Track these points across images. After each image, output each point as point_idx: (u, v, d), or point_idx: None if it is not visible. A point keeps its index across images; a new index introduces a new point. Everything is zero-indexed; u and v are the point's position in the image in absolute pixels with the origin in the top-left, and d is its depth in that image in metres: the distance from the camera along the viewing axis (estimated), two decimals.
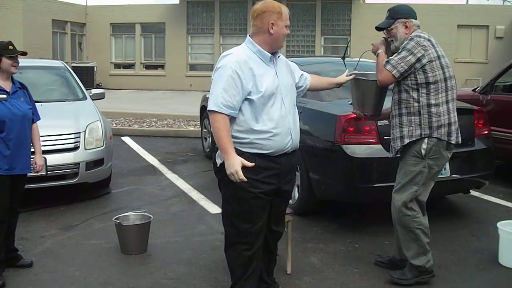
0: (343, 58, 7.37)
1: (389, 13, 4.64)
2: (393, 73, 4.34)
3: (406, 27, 4.52)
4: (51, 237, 5.74)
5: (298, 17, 25.48)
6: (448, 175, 5.80)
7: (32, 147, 4.97)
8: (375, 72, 4.61)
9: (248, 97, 3.66)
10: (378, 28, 4.71)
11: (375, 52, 4.62)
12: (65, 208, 6.74)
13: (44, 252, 5.33)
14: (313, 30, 25.59)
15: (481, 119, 6.43)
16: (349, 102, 5.96)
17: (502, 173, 8.08)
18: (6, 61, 4.72)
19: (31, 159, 4.92)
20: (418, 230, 4.51)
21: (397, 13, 4.59)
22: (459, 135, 4.54)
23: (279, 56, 3.92)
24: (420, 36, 4.39)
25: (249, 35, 3.86)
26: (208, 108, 3.67)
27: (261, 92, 3.66)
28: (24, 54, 4.92)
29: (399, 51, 4.41)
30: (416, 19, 4.59)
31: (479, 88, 8.72)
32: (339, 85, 4.57)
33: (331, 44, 25.74)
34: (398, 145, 4.53)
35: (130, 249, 5.24)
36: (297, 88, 4.15)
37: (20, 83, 4.96)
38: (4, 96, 4.69)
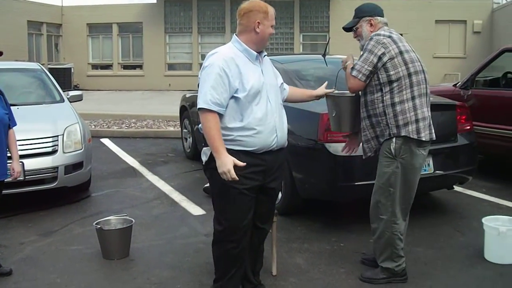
0: (324, 55, 7.34)
1: (354, 13, 4.62)
2: (359, 77, 4.29)
3: (371, 25, 4.49)
4: (30, 244, 5.60)
5: (277, 15, 25.14)
6: (432, 172, 5.78)
7: (8, 153, 4.84)
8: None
9: (235, 95, 3.69)
10: (345, 29, 4.68)
11: (344, 67, 4.57)
12: (44, 213, 6.60)
13: (23, 259, 5.19)
14: (291, 27, 25.59)
15: (463, 114, 6.41)
16: None
17: (484, 168, 8.09)
18: None
19: (8, 165, 4.80)
20: (394, 236, 4.47)
21: (362, 12, 4.57)
22: (432, 131, 4.46)
23: (264, 55, 3.95)
24: (379, 34, 4.34)
25: (236, 34, 3.90)
26: (198, 107, 3.69)
27: (247, 90, 3.69)
28: None
29: (361, 53, 4.37)
30: (382, 16, 4.55)
31: (459, 83, 8.72)
32: (318, 97, 4.54)
33: (309, 41, 25.79)
34: (375, 144, 4.47)
35: (112, 254, 5.13)
36: None
37: None
38: None
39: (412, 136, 4.31)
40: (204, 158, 3.85)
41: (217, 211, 3.96)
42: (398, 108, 4.28)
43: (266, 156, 3.83)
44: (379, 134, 4.41)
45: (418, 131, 4.32)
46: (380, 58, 4.24)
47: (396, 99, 4.28)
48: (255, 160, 3.77)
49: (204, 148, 3.86)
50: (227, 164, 3.59)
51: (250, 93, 3.70)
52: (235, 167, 3.61)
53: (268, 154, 3.84)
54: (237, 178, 3.60)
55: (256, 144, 3.75)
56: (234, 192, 3.77)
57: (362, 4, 4.64)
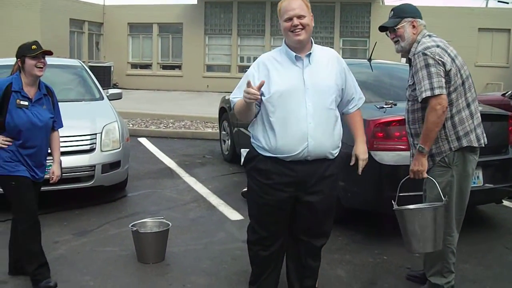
0: (369, 60, 7.15)
1: (393, 12, 4.30)
2: (443, 92, 3.92)
3: (414, 26, 4.19)
4: (65, 243, 5.52)
5: (317, 19, 25.16)
6: (481, 184, 5.52)
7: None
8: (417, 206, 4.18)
9: (262, 97, 3.60)
10: (382, 27, 4.39)
11: (421, 170, 4.13)
12: (79, 212, 6.52)
13: (57, 259, 5.09)
14: (331, 31, 25.29)
15: None
16: (378, 106, 5.70)
17: None
18: (29, 62, 4.38)
19: (48, 169, 4.65)
20: (447, 249, 4.21)
21: (404, 12, 4.25)
22: (484, 134, 4.24)
23: (309, 54, 3.72)
24: (429, 47, 4.01)
25: None
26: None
27: (270, 94, 3.61)
28: (48, 53, 4.53)
29: (420, 73, 3.97)
30: (422, 19, 4.26)
31: (509, 93, 8.42)
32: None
33: (349, 46, 25.45)
34: (429, 164, 4.17)
35: (147, 258, 4.99)
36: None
37: (47, 89, 4.66)
38: (26, 103, 4.39)
39: (475, 145, 4.10)
40: (242, 159, 3.92)
41: (249, 213, 4.01)
42: (456, 118, 4.05)
43: (296, 167, 3.64)
44: (434, 152, 4.12)
45: (478, 138, 4.14)
46: (444, 65, 3.96)
47: (454, 110, 4.04)
48: (283, 170, 3.65)
49: (241, 150, 3.92)
50: (245, 88, 3.49)
51: (273, 96, 3.60)
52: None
53: (300, 164, 3.64)
54: (258, 93, 3.42)
55: (280, 150, 3.61)
56: (260, 202, 3.77)
57: (402, 4, 4.37)
